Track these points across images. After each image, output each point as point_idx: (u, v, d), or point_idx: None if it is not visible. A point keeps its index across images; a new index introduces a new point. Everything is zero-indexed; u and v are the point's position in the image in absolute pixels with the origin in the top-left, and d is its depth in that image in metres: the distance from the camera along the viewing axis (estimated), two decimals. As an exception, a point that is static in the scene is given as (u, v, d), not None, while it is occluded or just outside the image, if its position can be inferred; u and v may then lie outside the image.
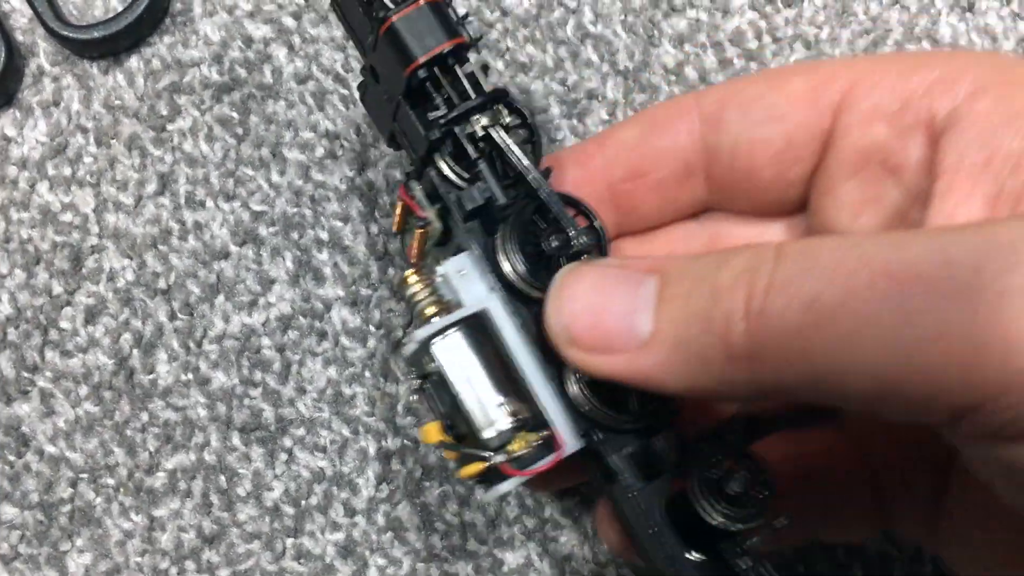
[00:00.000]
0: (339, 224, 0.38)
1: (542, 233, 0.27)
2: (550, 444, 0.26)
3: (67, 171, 0.38)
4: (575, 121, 0.39)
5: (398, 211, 0.30)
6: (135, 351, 0.37)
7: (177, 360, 0.37)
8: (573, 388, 0.26)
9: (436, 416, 0.26)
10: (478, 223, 0.27)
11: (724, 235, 0.31)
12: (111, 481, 0.36)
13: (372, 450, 0.37)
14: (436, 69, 0.27)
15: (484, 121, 0.27)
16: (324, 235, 0.38)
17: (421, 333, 0.26)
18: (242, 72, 0.38)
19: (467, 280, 0.27)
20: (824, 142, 0.28)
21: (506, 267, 0.26)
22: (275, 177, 0.38)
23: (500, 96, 0.28)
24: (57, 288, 0.37)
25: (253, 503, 0.36)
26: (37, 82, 0.38)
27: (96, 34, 0.37)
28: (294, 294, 0.37)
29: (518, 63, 0.39)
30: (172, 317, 0.37)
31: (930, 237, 0.21)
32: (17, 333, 0.37)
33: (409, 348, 0.26)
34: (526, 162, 0.27)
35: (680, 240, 0.32)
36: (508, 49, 0.39)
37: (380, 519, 0.36)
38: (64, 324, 0.37)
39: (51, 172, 0.38)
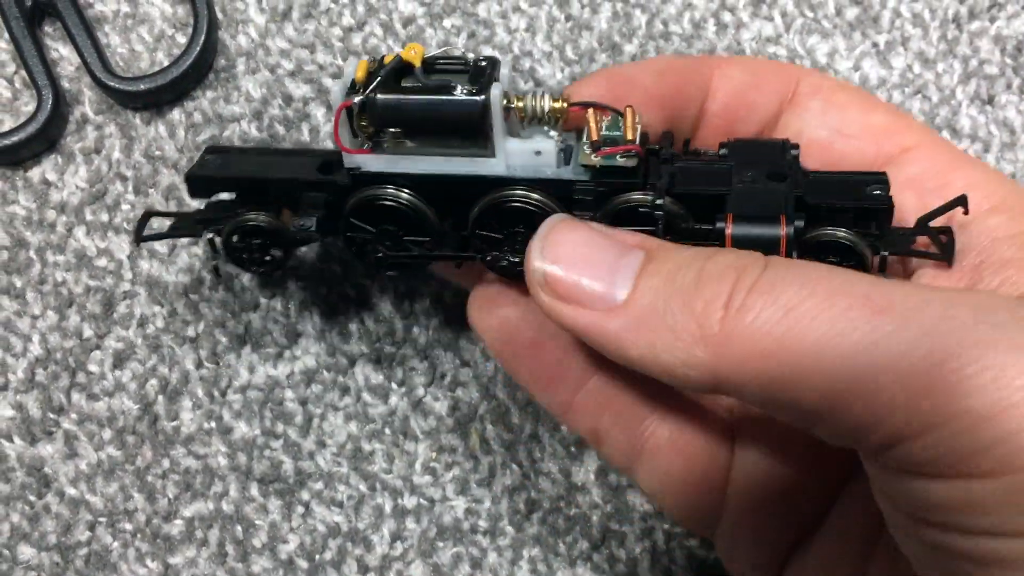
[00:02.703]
0: (367, 282, 0.38)
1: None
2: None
3: (104, 217, 0.38)
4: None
5: None
6: (160, 397, 0.37)
7: (201, 408, 0.37)
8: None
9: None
10: None
11: None
12: (129, 526, 0.37)
13: (388, 507, 0.37)
14: None
15: None
16: (352, 292, 0.38)
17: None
18: (280, 129, 0.39)
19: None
20: None
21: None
22: (307, 233, 0.39)
23: None
24: (88, 331, 0.38)
25: (268, 555, 0.37)
26: (80, 129, 0.39)
27: (142, 86, 0.38)
28: (320, 348, 0.38)
29: (549, 133, 0.40)
30: (199, 365, 0.38)
31: (914, 286, 0.23)
32: (46, 374, 0.37)
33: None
34: None
35: None
36: (540, 119, 0.40)
37: (393, 577, 0.37)
38: (92, 367, 0.37)
39: (89, 217, 0.38)
